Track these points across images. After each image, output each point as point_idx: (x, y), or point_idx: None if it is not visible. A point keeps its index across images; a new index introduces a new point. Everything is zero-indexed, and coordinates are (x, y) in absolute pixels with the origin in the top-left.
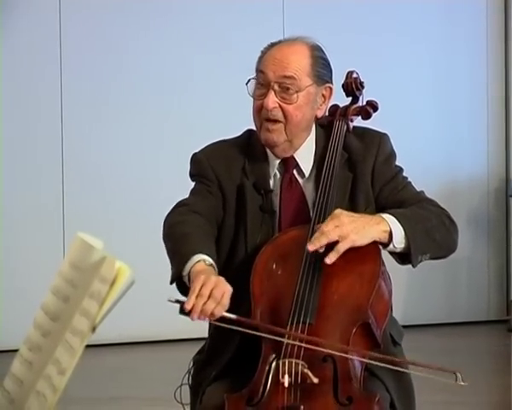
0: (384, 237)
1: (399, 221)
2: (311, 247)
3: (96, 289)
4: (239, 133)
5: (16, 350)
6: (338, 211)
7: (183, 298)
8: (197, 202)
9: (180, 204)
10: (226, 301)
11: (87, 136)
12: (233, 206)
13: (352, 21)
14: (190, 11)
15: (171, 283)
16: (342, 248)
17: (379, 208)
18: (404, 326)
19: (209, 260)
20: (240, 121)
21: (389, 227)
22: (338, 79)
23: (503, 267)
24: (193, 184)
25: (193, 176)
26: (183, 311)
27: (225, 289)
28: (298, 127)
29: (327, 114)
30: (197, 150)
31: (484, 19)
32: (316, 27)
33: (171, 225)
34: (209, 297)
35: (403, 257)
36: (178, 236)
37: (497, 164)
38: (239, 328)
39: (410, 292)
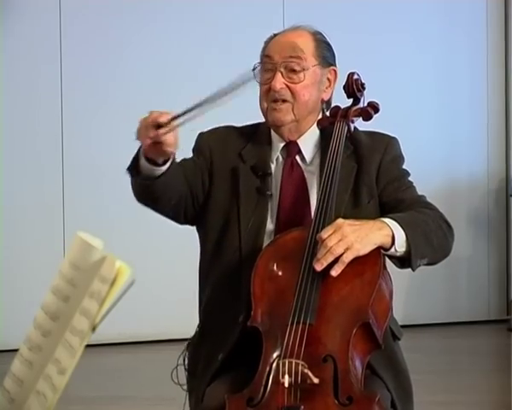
0: (387, 242)
1: (400, 225)
2: (318, 266)
3: (96, 288)
4: None
5: (16, 350)
6: (340, 221)
7: None
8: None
9: None
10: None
11: (87, 135)
12: (223, 184)
13: (353, 21)
14: (190, 11)
15: (128, 169)
16: (347, 259)
17: (379, 204)
18: (405, 326)
19: None
20: (240, 119)
21: (391, 231)
22: (339, 80)
23: (504, 267)
24: None
25: (192, 151)
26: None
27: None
28: (305, 107)
29: (328, 115)
30: (204, 130)
31: (484, 19)
32: (316, 27)
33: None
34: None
35: (402, 261)
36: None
37: (497, 164)
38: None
39: (411, 292)
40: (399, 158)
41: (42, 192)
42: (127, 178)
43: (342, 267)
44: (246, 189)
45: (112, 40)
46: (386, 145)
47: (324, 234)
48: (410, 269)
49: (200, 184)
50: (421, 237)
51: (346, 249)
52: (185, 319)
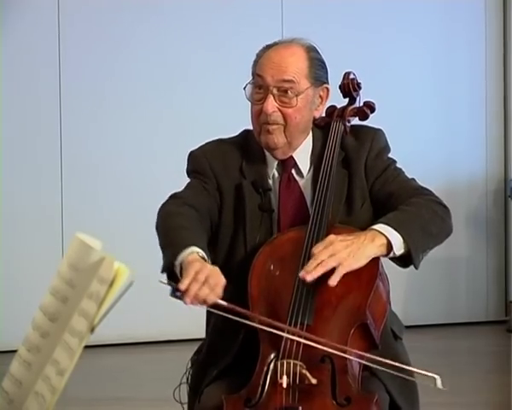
0: (381, 251)
1: (395, 228)
2: (309, 277)
3: (94, 289)
4: (236, 132)
5: (15, 351)
6: (332, 237)
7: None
8: (192, 195)
9: (175, 196)
10: (219, 291)
11: (85, 135)
12: (231, 204)
13: (351, 21)
14: (188, 11)
15: (162, 272)
16: (341, 273)
17: (371, 202)
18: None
19: (202, 252)
20: (237, 120)
21: (386, 239)
22: (336, 79)
23: (502, 268)
24: (188, 179)
25: (190, 172)
26: (175, 293)
27: (219, 280)
28: (297, 129)
29: (324, 115)
30: (194, 148)
31: (482, 19)
32: (314, 25)
33: (166, 215)
34: (204, 284)
35: (404, 259)
36: (172, 227)
37: (495, 165)
38: (231, 316)
39: (409, 293)
40: (384, 150)
41: (40, 193)
42: (126, 178)
43: (338, 279)
44: (250, 207)
45: (110, 40)
46: (371, 141)
47: (316, 249)
48: (408, 269)
49: (216, 211)
50: (419, 232)
51: (339, 265)
52: (184, 321)
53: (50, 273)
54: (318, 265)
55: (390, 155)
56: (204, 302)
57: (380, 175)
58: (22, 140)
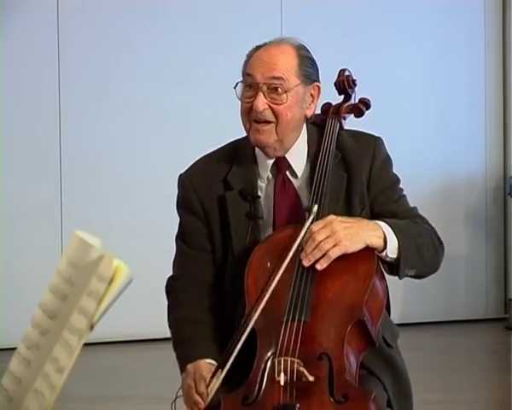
0: (378, 244)
1: (394, 231)
2: (306, 262)
3: (93, 287)
4: (236, 132)
5: (14, 348)
6: (331, 217)
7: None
8: (187, 269)
9: (174, 279)
10: (205, 374)
11: (85, 135)
12: (217, 222)
13: (350, 20)
14: (189, 12)
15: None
16: (334, 254)
17: (371, 213)
18: (403, 325)
19: (190, 366)
20: (237, 122)
21: (384, 235)
22: (333, 77)
23: (501, 265)
24: (178, 217)
25: (178, 207)
26: None
27: (197, 372)
28: (288, 127)
29: (319, 112)
30: (183, 171)
31: (482, 17)
32: (313, 26)
33: (170, 322)
34: (195, 391)
35: (390, 267)
36: (175, 340)
37: (494, 162)
38: (236, 349)
39: (409, 291)
40: (388, 162)
41: (40, 192)
42: (125, 177)
43: (328, 262)
44: (235, 216)
45: (110, 40)
46: (374, 149)
47: (315, 227)
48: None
49: (209, 242)
50: (413, 247)
51: (334, 245)
52: None
53: (50, 272)
54: (316, 248)
55: (394, 171)
56: (209, 395)
57: (384, 190)
58: (22, 140)
